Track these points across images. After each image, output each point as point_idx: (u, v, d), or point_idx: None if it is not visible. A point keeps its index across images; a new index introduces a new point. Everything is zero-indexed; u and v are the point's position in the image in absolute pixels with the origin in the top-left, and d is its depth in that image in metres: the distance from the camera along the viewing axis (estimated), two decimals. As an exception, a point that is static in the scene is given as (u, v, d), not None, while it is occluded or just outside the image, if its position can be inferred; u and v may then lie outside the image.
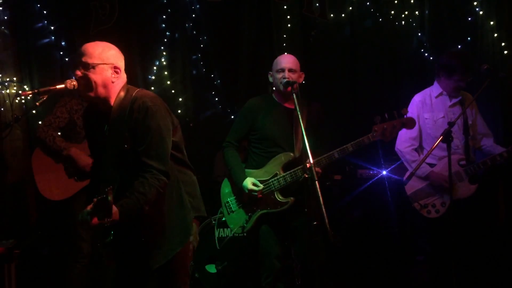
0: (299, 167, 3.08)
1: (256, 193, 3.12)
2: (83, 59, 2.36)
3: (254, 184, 3.14)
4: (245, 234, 3.29)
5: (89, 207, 2.16)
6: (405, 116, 3.03)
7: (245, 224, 3.19)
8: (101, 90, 2.39)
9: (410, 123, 3.06)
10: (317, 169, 3.00)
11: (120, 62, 2.47)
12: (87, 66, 2.36)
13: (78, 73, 2.37)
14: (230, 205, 3.30)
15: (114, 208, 2.13)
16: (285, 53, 3.37)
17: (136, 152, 2.35)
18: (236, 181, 3.20)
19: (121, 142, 2.35)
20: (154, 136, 2.34)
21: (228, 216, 3.30)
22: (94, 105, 2.52)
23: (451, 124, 3.09)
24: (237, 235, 3.27)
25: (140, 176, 2.31)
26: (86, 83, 2.37)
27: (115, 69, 2.42)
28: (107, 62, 2.39)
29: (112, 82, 2.41)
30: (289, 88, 3.12)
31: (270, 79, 3.32)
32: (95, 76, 2.37)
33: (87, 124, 2.62)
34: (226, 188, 3.35)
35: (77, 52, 2.41)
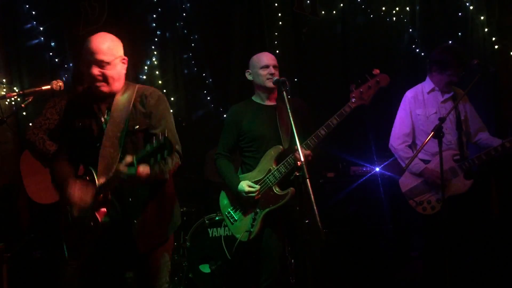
0: (290, 155, 3.05)
1: (254, 194, 3.09)
2: (97, 57, 2.36)
3: (249, 186, 3.11)
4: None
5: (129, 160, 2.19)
6: (377, 75, 3.06)
7: (251, 228, 3.11)
8: (116, 84, 2.45)
9: (383, 80, 3.09)
10: (307, 151, 3.00)
11: (122, 50, 2.50)
12: (102, 64, 2.37)
13: (95, 71, 2.37)
14: (232, 214, 3.24)
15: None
16: (264, 52, 3.35)
17: (145, 133, 2.43)
18: (231, 188, 3.17)
19: (130, 124, 2.40)
20: (168, 120, 2.49)
21: (232, 226, 3.24)
22: (91, 92, 2.50)
23: (442, 120, 3.09)
24: (244, 240, 3.15)
25: None
26: (104, 80, 2.40)
27: (123, 60, 2.47)
28: (117, 55, 2.43)
29: (123, 73, 2.48)
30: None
31: (249, 77, 3.29)
32: (111, 72, 2.40)
33: (71, 115, 2.56)
34: (224, 199, 3.31)
35: (87, 49, 2.38)
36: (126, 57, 2.49)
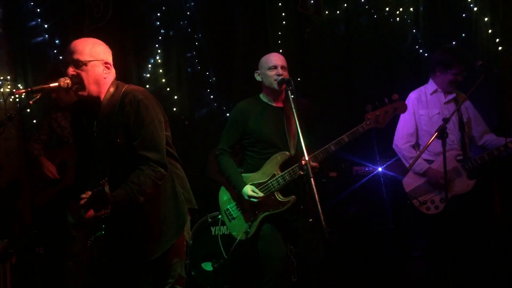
0: (297, 164, 3.05)
1: (255, 200, 3.09)
2: (74, 57, 2.35)
3: (253, 191, 3.10)
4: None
5: (82, 202, 2.18)
6: (396, 101, 3.05)
7: (249, 229, 3.12)
8: (93, 88, 2.39)
9: (402, 107, 3.09)
10: (314, 163, 3.01)
11: (109, 57, 2.47)
12: (78, 64, 2.35)
13: (71, 71, 2.35)
14: (230, 212, 3.24)
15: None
16: (272, 52, 3.36)
17: (130, 146, 2.34)
18: (236, 188, 3.16)
19: (113, 137, 2.34)
20: (148, 128, 2.34)
21: (230, 224, 3.24)
22: (82, 102, 2.50)
23: (445, 120, 3.10)
24: (242, 239, 3.16)
25: (137, 168, 2.32)
26: (79, 81, 2.36)
27: (106, 64, 2.43)
28: (98, 58, 2.39)
29: (104, 78, 2.42)
30: (284, 86, 3.12)
31: (258, 78, 3.28)
32: (87, 74, 2.36)
33: (75, 121, 2.57)
34: (224, 195, 3.30)
35: (67, 50, 2.39)
36: (111, 63, 2.44)
